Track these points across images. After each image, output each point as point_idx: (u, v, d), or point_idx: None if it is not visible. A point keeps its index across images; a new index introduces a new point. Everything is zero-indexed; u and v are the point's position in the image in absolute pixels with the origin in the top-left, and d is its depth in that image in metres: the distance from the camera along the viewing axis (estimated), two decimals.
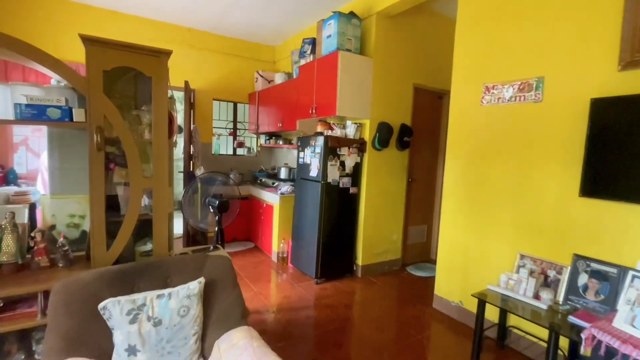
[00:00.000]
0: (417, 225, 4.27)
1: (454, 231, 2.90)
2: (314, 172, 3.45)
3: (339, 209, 3.54)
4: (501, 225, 2.54)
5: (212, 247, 2.35)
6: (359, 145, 3.58)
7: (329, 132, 3.57)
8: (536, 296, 2.17)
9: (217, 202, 2.55)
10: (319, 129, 3.68)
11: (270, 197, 4.14)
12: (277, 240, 4.02)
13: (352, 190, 3.60)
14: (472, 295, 2.27)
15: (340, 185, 3.49)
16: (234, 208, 2.85)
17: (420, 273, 3.89)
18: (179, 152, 6.18)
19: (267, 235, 4.27)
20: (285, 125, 4.35)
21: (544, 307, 2.06)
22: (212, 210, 2.61)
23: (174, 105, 2.08)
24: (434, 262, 4.37)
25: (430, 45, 3.97)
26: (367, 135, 3.59)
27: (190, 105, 4.64)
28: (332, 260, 3.54)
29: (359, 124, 3.57)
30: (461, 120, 2.84)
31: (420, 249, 4.38)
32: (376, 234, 3.79)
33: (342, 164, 3.47)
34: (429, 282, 3.68)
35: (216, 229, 2.60)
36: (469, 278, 2.79)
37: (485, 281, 2.64)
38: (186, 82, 4.22)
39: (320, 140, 3.38)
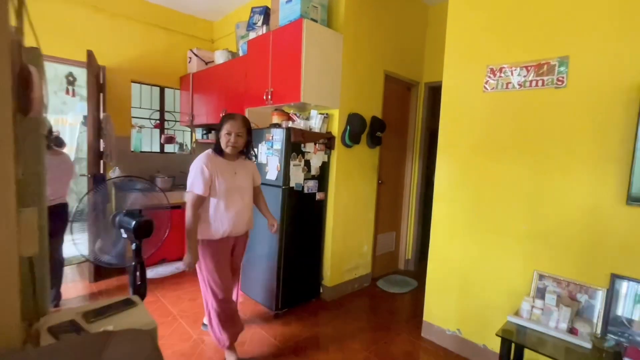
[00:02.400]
0: (385, 232, 3.76)
1: (449, 243, 2.40)
2: (272, 174, 2.69)
3: (304, 220, 2.84)
4: (511, 237, 2.09)
5: (124, 303, 1.44)
6: (327, 141, 2.91)
7: (290, 124, 2.83)
8: (570, 329, 1.73)
9: (134, 222, 1.67)
10: (276, 119, 2.93)
11: None
12: None
13: (319, 196, 2.93)
14: (497, 335, 1.75)
15: (305, 191, 2.79)
16: (161, 226, 1.99)
17: (394, 289, 3.37)
18: (83, 147, 4.87)
19: None
20: None
21: (587, 345, 1.62)
22: (124, 236, 1.71)
23: (41, 66, 1.17)
24: (402, 272, 3.92)
25: (402, 30, 3.47)
26: (336, 129, 2.94)
27: (98, 86, 3.51)
28: (295, 284, 2.83)
29: (326, 114, 2.90)
30: (457, 110, 2.34)
31: (388, 258, 3.88)
32: (346, 247, 3.17)
33: (307, 163, 2.77)
34: (406, 300, 3.18)
35: (132, 263, 1.71)
36: (468, 301, 2.31)
37: (490, 306, 2.17)
38: (89, 54, 3.12)
39: (280, 134, 2.63)
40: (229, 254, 2.10)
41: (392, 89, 3.56)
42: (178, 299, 2.94)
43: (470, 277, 2.29)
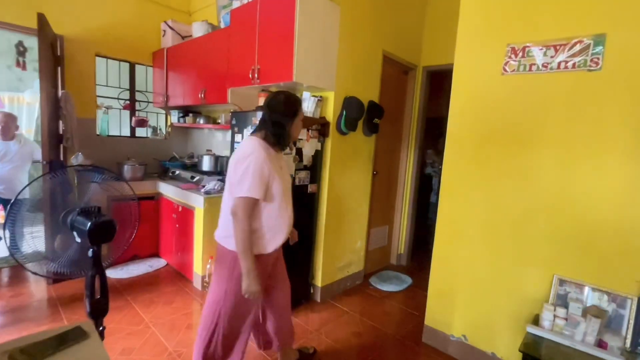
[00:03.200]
0: (379, 226, 3.54)
1: (455, 244, 2.18)
2: None
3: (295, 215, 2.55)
4: (528, 237, 1.89)
5: (70, 335, 1.10)
6: (320, 127, 2.61)
7: None
8: (599, 342, 1.55)
9: (90, 224, 1.33)
10: (261, 101, 2.58)
11: (190, 198, 2.91)
12: (201, 260, 2.83)
13: (311, 188, 2.64)
14: (520, 351, 1.55)
15: (297, 183, 2.49)
16: (128, 224, 1.66)
17: (388, 287, 3.17)
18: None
19: (186, 251, 3.03)
20: (209, 96, 3.11)
21: None
22: (78, 240, 1.37)
23: None
24: (395, 268, 3.73)
25: (401, 6, 3.16)
26: (331, 114, 2.64)
27: (54, 58, 3.04)
28: None
29: (320, 97, 2.59)
30: (470, 95, 2.09)
31: (380, 254, 3.67)
32: (338, 243, 2.92)
33: (299, 152, 2.47)
34: (401, 299, 2.99)
35: (89, 274, 1.37)
36: (475, 305, 2.11)
37: (500, 312, 1.99)
38: (41, 18, 2.64)
39: None
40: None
41: (389, 72, 3.27)
42: (151, 303, 2.61)
43: (478, 279, 2.09)
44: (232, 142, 2.60)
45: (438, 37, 3.39)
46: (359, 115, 2.70)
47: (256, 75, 2.52)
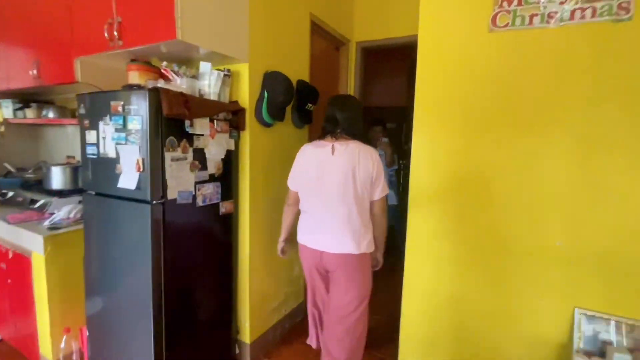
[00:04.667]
0: None
1: (432, 269, 1.59)
2: (127, 178, 1.42)
3: (200, 251, 1.67)
4: (535, 258, 1.37)
5: None
6: (232, 117, 1.76)
7: (162, 85, 1.56)
8: None
9: None
10: (135, 78, 1.61)
11: (21, 237, 1.78)
12: (48, 334, 1.75)
13: (224, 207, 1.78)
14: None
15: (200, 202, 1.61)
16: None
17: None
18: None
19: (25, 319, 1.89)
20: (46, 72, 1.97)
21: None
22: None
23: None
24: None
25: None
26: (246, 97, 1.81)
27: None
28: (191, 352, 1.68)
29: (227, 70, 1.73)
30: (444, 62, 1.49)
31: None
32: (270, 277, 2.13)
33: (200, 155, 1.59)
34: None
35: None
36: (464, 351, 1.56)
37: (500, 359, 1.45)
38: None
39: (141, 102, 1.38)
40: None
41: (319, 45, 2.56)
42: None
43: (467, 317, 1.53)
44: (83, 142, 1.59)
45: (373, 5, 2.79)
46: (288, 98, 1.93)
47: (116, 33, 1.54)
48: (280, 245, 1.77)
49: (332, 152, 1.47)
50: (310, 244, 1.54)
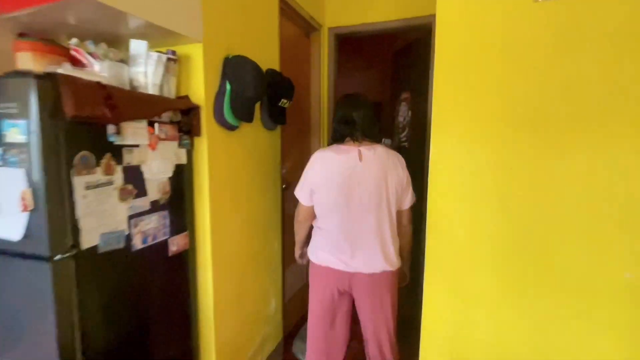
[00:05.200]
0: (293, 260, 2.40)
1: (464, 312, 1.25)
2: (8, 222, 0.88)
3: (143, 311, 1.16)
4: (597, 292, 1.07)
5: None
6: (182, 117, 1.26)
7: (70, 71, 1.02)
8: None
9: None
10: (26, 62, 1.06)
11: None
12: None
13: (176, 244, 1.28)
14: None
15: (139, 244, 1.10)
16: None
17: None
18: None
19: None
20: None
21: None
22: None
23: None
24: None
25: None
26: (201, 90, 1.31)
27: None
28: None
29: (172, 53, 1.23)
30: (473, 47, 1.13)
31: (300, 297, 2.55)
32: (244, 320, 1.66)
33: (135, 175, 1.08)
34: None
35: None
36: None
37: None
38: None
39: (26, 99, 0.84)
40: None
41: (288, 30, 2.12)
42: None
43: None
44: None
45: None
46: (259, 91, 1.46)
47: None
48: (297, 252, 1.64)
49: (360, 159, 1.26)
50: (337, 265, 1.32)
